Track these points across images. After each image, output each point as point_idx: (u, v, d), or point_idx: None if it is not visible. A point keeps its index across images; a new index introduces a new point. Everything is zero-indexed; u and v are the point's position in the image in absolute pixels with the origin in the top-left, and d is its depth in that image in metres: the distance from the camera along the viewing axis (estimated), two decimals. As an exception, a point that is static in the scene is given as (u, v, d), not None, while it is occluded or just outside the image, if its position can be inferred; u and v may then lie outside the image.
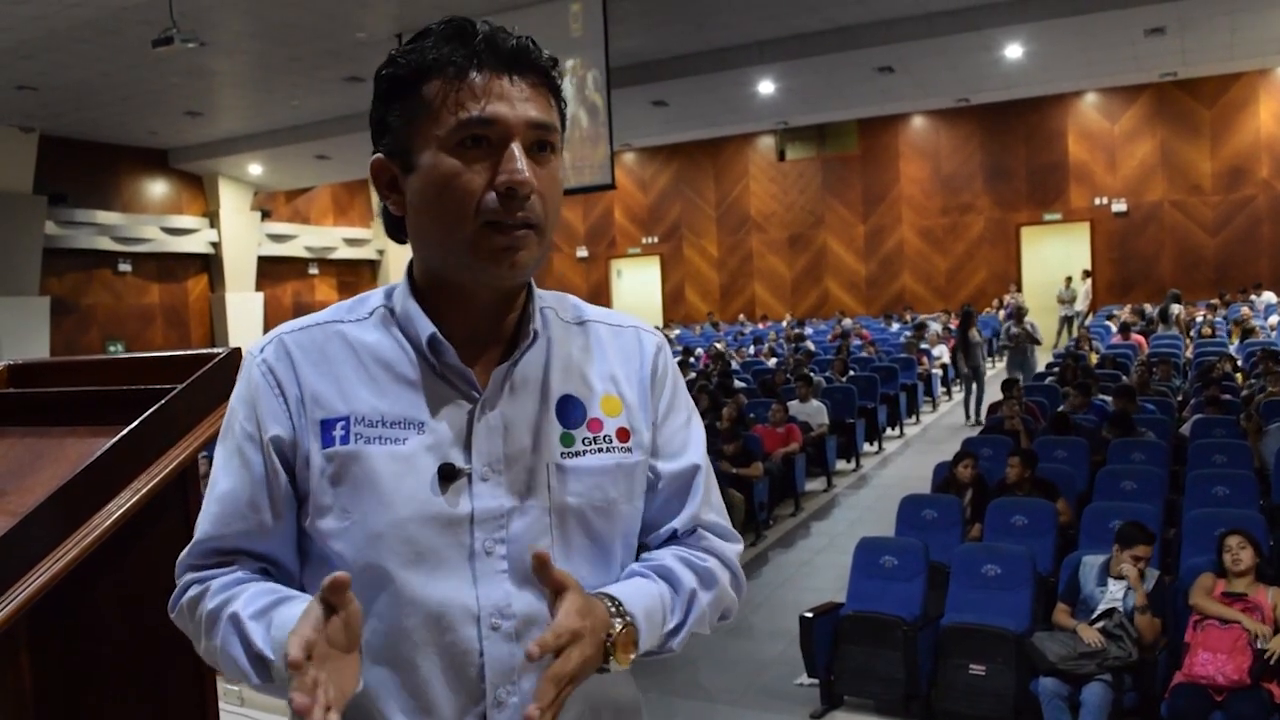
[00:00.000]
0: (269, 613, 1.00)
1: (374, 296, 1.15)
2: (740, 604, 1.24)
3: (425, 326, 1.07)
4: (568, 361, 1.14)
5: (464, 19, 1.07)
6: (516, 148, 1.03)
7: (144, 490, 1.38)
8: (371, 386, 1.07)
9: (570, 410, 1.12)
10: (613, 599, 1.04)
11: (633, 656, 1.03)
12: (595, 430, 1.12)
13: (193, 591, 1.07)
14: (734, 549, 1.21)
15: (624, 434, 1.13)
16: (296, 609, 0.95)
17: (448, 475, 1.05)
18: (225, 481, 1.09)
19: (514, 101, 1.04)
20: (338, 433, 1.05)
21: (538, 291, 1.14)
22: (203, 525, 1.10)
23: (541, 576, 0.98)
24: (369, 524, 1.04)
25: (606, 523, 1.11)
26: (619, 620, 1.02)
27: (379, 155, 1.09)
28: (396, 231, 1.13)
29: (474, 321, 1.10)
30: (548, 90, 1.08)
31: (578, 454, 1.10)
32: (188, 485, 1.51)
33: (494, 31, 1.06)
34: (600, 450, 1.11)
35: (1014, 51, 13.43)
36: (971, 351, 12.45)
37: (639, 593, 1.08)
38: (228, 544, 1.08)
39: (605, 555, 1.12)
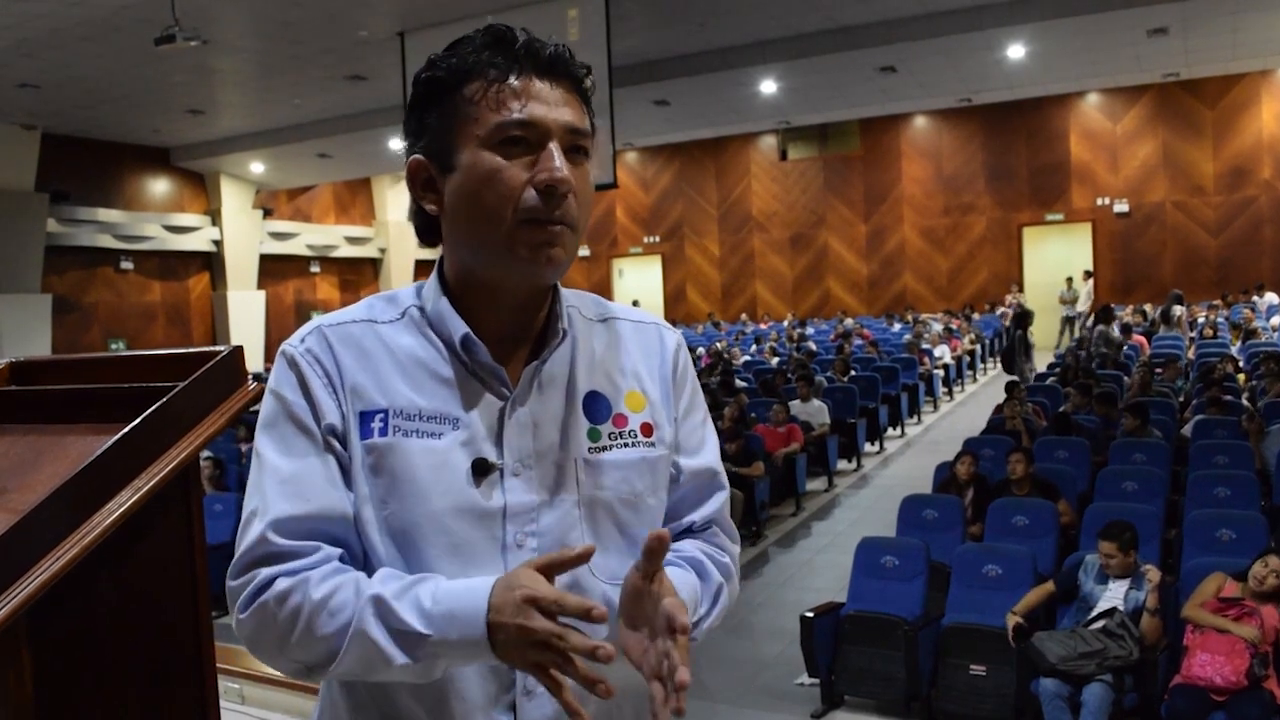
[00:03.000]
0: (411, 590, 0.99)
1: (403, 296, 1.18)
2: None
3: (459, 327, 1.10)
4: (592, 358, 1.17)
5: (503, 26, 1.11)
6: (555, 148, 1.06)
7: (145, 488, 1.38)
8: (408, 382, 1.10)
9: (596, 406, 1.15)
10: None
11: None
12: (621, 425, 1.16)
13: (282, 585, 1.02)
14: (738, 550, 1.27)
15: (648, 429, 1.17)
16: (442, 584, 0.99)
17: (481, 470, 1.08)
18: (290, 464, 1.07)
19: (552, 105, 1.07)
20: (376, 425, 1.08)
21: (563, 290, 1.18)
22: (275, 503, 1.05)
23: (653, 559, 1.01)
24: (406, 515, 1.06)
25: (634, 515, 1.15)
26: None
27: (417, 156, 1.11)
28: (428, 233, 1.15)
29: (504, 320, 1.13)
30: (580, 98, 1.11)
31: (604, 449, 1.14)
32: (189, 483, 1.51)
33: (532, 39, 1.10)
34: (626, 445, 1.15)
35: (1016, 51, 13.42)
36: (1030, 353, 12.38)
37: (682, 583, 1.11)
38: (308, 524, 1.05)
39: (634, 546, 1.15)
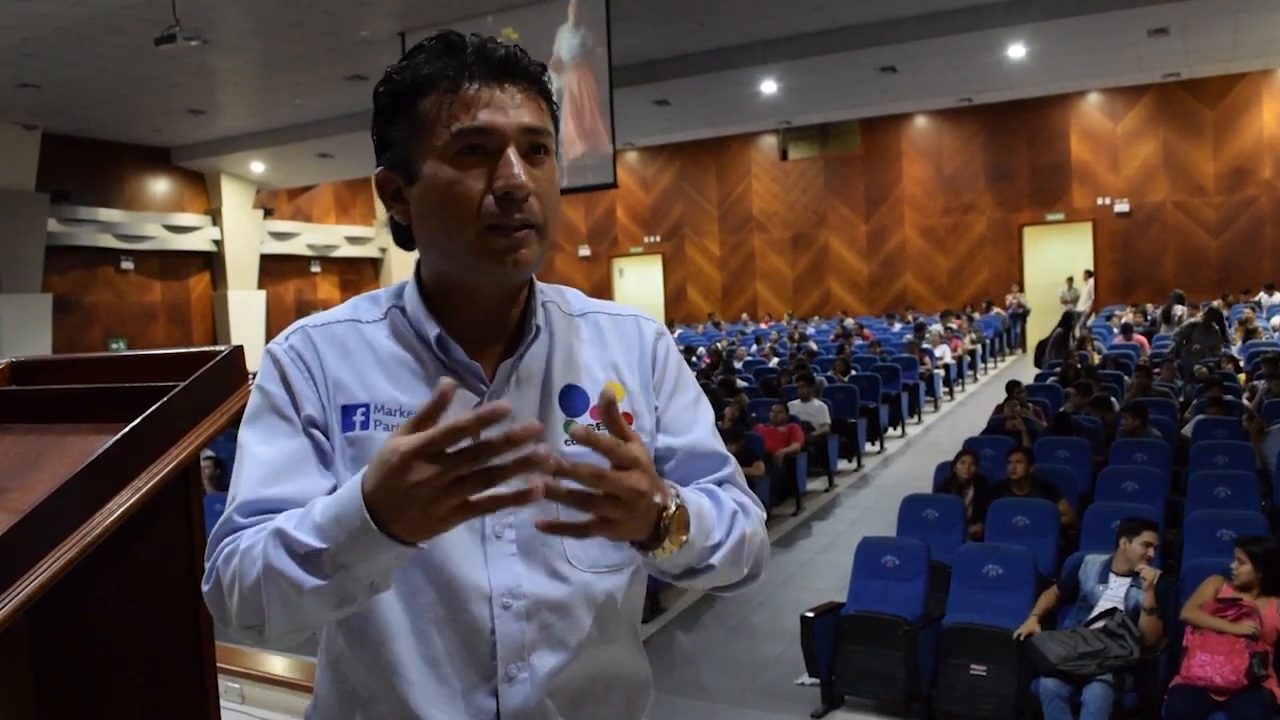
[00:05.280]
0: (308, 515, 0.98)
1: (385, 296, 1.20)
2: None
3: (432, 328, 1.13)
4: (570, 353, 1.18)
5: (454, 33, 1.12)
6: (512, 153, 1.08)
7: (145, 488, 1.38)
8: (390, 379, 1.13)
9: (574, 399, 1.16)
10: (670, 484, 1.05)
11: (684, 539, 1.02)
12: (598, 417, 1.14)
13: (228, 548, 1.05)
14: (761, 513, 1.22)
15: (627, 419, 1.15)
16: (330, 497, 0.97)
17: None
18: (267, 449, 1.09)
19: (506, 109, 1.08)
20: (358, 418, 1.11)
21: (539, 286, 1.19)
22: (246, 487, 1.08)
23: (609, 418, 0.96)
24: None
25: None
26: (675, 500, 1.02)
27: (382, 169, 1.14)
28: (403, 240, 1.18)
29: (479, 318, 1.15)
30: (539, 95, 1.12)
31: None
32: (189, 483, 1.51)
33: (483, 43, 1.10)
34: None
35: (1017, 51, 13.42)
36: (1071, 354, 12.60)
37: (691, 493, 1.09)
38: (272, 505, 1.07)
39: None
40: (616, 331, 1.23)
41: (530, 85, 1.11)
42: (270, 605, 0.99)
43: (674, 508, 1.02)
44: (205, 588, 1.08)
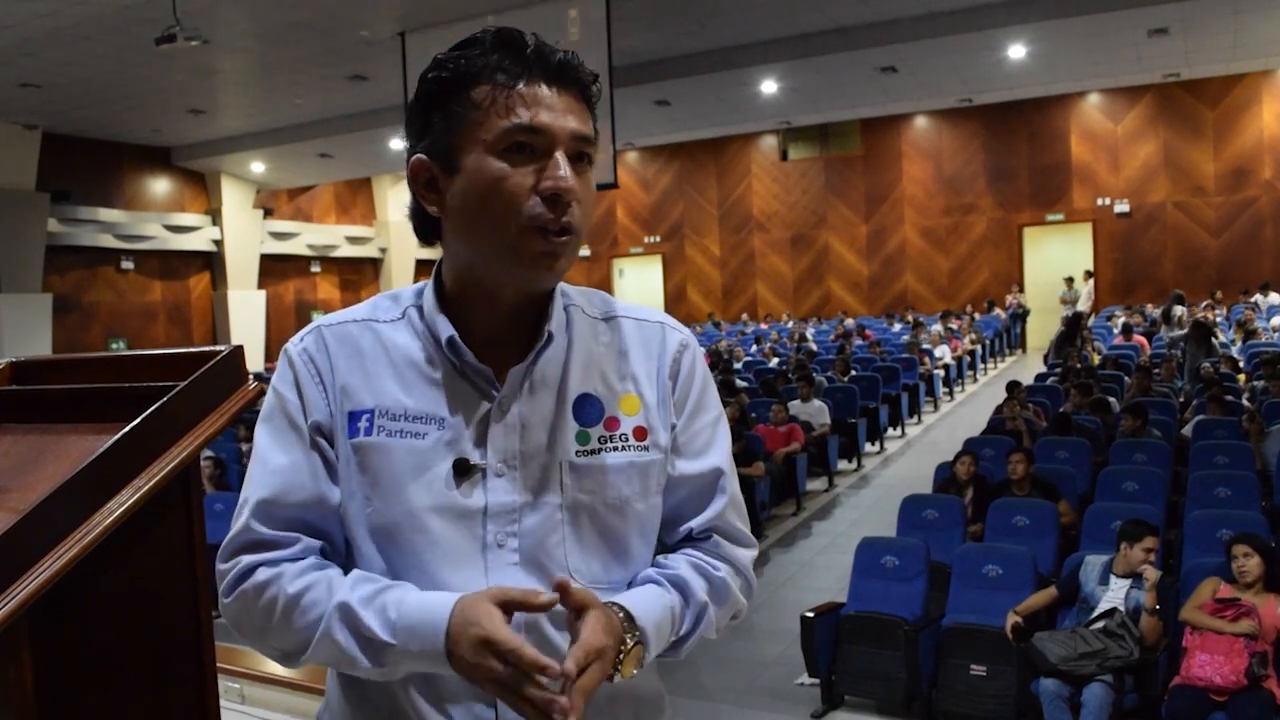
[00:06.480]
0: (379, 598, 1.03)
1: (406, 295, 1.19)
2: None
3: (445, 328, 1.11)
4: (589, 359, 1.16)
5: (513, 30, 1.10)
6: (561, 156, 1.06)
7: (146, 488, 1.38)
8: (399, 382, 1.12)
9: (588, 409, 1.14)
10: (627, 614, 1.07)
11: (636, 671, 1.07)
12: (612, 429, 1.15)
13: (261, 576, 1.07)
14: (749, 554, 1.23)
15: (641, 433, 1.16)
16: (409, 594, 1.03)
17: (462, 470, 1.09)
18: (280, 456, 1.11)
19: (559, 112, 1.07)
20: (362, 424, 1.11)
21: (563, 289, 1.17)
22: (261, 492, 1.10)
23: (565, 602, 1.02)
24: (387, 513, 1.09)
25: (620, 520, 1.14)
26: (630, 636, 1.06)
27: (420, 156, 1.11)
28: (427, 233, 1.16)
29: (499, 322, 1.13)
30: (587, 105, 1.11)
31: (593, 452, 1.13)
32: (190, 483, 1.51)
33: (541, 45, 1.09)
34: (615, 449, 1.14)
35: (1017, 52, 13.41)
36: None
37: (651, 605, 1.10)
38: (289, 512, 1.09)
39: (620, 551, 1.15)
40: (640, 338, 1.20)
41: (581, 93, 1.10)
42: (315, 656, 1.05)
43: (630, 645, 1.05)
44: (225, 600, 1.10)
